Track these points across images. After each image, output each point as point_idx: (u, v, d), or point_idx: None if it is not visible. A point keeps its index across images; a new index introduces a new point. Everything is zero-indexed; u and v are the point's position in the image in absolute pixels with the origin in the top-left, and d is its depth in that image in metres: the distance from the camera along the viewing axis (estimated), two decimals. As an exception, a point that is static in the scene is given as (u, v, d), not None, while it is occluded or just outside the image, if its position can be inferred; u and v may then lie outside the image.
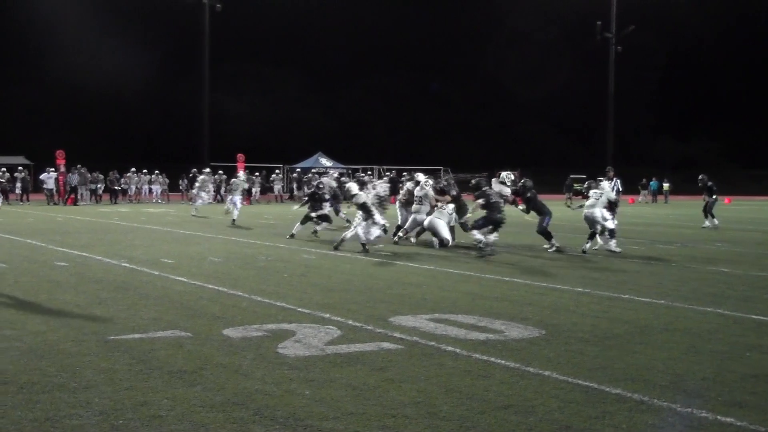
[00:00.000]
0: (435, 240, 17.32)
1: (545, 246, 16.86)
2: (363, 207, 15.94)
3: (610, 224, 16.72)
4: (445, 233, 17.05)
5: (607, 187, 17.26)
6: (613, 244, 16.62)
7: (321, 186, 19.86)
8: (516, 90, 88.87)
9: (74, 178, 40.96)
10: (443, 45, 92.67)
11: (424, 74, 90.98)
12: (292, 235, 18.89)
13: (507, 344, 7.22)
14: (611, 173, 20.70)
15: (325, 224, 19.41)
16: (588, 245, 16.66)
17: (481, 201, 16.19)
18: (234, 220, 24.70)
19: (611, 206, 17.34)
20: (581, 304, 9.67)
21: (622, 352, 7.02)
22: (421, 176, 19.23)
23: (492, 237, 16.03)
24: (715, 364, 6.64)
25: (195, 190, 31.00)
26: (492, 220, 16.01)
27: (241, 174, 28.09)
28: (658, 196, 56.31)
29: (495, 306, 9.36)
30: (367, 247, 15.65)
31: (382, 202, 19.57)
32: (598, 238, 17.02)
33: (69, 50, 74.85)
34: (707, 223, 25.17)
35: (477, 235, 15.96)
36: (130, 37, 75.53)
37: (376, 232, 15.77)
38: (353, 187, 17.28)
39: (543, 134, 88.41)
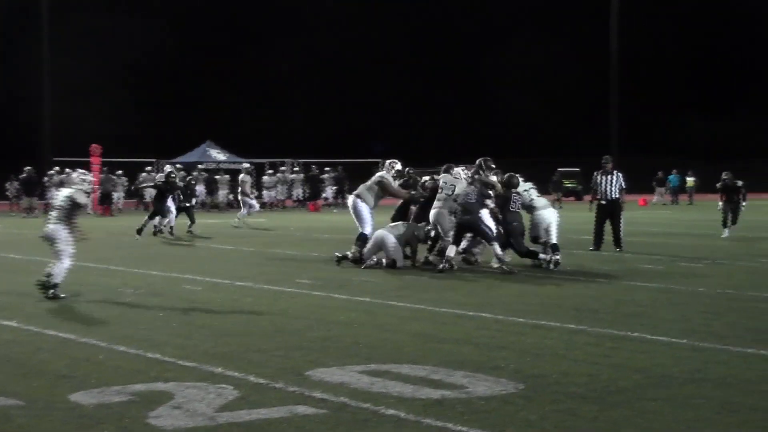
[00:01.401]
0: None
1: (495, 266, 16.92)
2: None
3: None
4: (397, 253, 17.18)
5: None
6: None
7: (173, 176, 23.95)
8: (486, 50, 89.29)
9: None
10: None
11: (355, 28, 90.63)
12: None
13: (471, 404, 7.26)
14: (609, 165, 21.16)
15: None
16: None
17: None
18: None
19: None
20: (574, 346, 9.78)
21: (632, 411, 7.11)
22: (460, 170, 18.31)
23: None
24: (758, 425, 6.77)
25: (242, 196, 31.69)
26: None
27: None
28: (680, 194, 56.86)
29: (455, 351, 9.41)
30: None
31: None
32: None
33: None
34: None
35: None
36: None
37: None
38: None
39: (523, 112, 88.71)
